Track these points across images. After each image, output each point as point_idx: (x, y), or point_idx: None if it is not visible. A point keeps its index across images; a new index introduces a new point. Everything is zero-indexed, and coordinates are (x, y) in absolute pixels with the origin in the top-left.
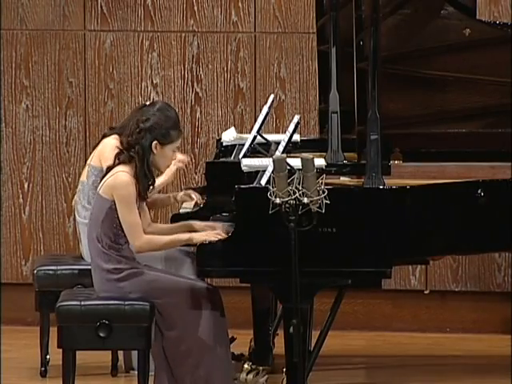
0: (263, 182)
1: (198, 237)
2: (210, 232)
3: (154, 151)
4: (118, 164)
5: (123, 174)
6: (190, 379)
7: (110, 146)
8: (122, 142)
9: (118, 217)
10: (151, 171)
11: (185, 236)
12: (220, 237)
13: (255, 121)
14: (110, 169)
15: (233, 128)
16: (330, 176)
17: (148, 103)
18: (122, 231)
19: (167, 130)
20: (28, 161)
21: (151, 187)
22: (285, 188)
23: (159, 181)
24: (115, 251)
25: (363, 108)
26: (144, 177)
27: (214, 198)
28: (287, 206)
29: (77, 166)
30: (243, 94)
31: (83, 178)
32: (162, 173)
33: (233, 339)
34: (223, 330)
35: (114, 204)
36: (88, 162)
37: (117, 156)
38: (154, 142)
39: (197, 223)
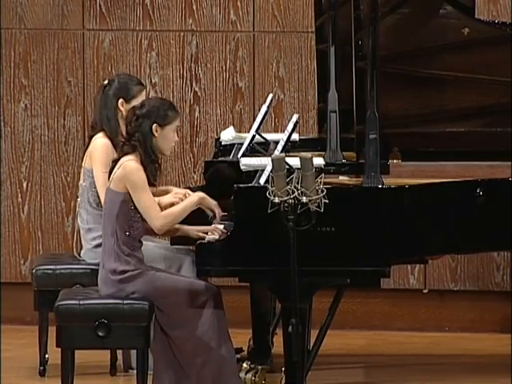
0: (262, 181)
1: (208, 200)
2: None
3: (155, 134)
4: (123, 155)
5: (131, 162)
6: (197, 377)
7: (98, 146)
8: (121, 134)
9: (132, 209)
10: (156, 155)
11: (194, 199)
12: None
13: (254, 120)
14: (115, 162)
15: (231, 127)
16: (328, 175)
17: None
18: (137, 223)
19: (165, 112)
20: (27, 160)
21: (159, 172)
22: (284, 187)
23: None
24: (128, 248)
25: (362, 107)
26: (150, 162)
27: (213, 197)
28: (286, 205)
29: (75, 165)
30: (242, 94)
31: (81, 181)
32: (165, 155)
33: (241, 350)
34: (225, 328)
35: (127, 196)
36: (83, 164)
37: (120, 148)
38: (154, 125)
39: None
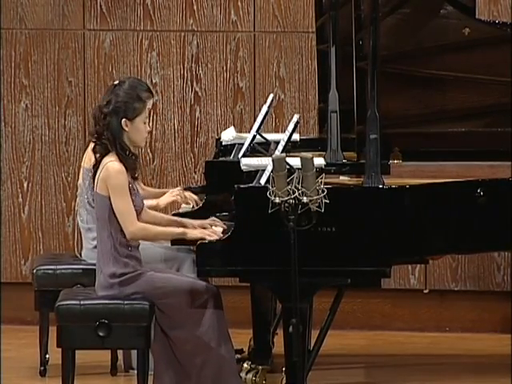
0: (263, 181)
1: (192, 233)
2: (205, 230)
3: (126, 128)
4: (100, 158)
5: (112, 164)
6: (197, 377)
7: None
8: (92, 134)
9: None
10: (128, 149)
11: (179, 230)
12: (215, 236)
13: (255, 120)
14: (96, 166)
15: (232, 127)
16: (329, 175)
17: (117, 82)
18: None
19: (131, 105)
20: (27, 160)
21: (138, 163)
22: (284, 187)
23: (148, 202)
24: (126, 249)
25: (362, 107)
26: (126, 157)
27: (214, 197)
28: (287, 205)
29: (76, 165)
30: (242, 94)
31: (79, 181)
32: (140, 147)
33: (241, 351)
34: (225, 328)
35: None
36: (82, 164)
37: (94, 151)
38: (123, 120)
39: (189, 222)
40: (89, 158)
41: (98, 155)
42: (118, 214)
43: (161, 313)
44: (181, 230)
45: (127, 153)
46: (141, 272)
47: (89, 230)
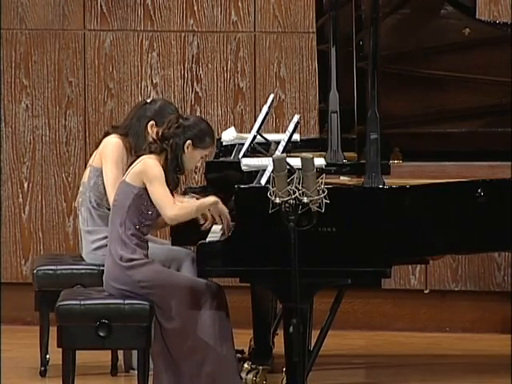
0: (263, 181)
1: (223, 205)
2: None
3: (185, 150)
4: (149, 153)
5: (151, 159)
6: (195, 376)
7: (111, 144)
8: (157, 133)
9: (144, 204)
10: (180, 166)
11: (211, 198)
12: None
13: (255, 120)
14: (138, 157)
15: (232, 127)
16: (329, 175)
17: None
18: (147, 220)
19: (203, 134)
20: (28, 160)
21: (176, 183)
22: (284, 187)
23: None
24: (136, 239)
25: (363, 107)
26: (173, 170)
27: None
28: (287, 205)
29: (76, 165)
30: (243, 94)
31: (84, 179)
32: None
33: (242, 352)
34: (227, 327)
35: (142, 190)
36: (89, 162)
37: (149, 145)
38: (188, 142)
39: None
40: (98, 156)
41: (147, 152)
42: (158, 201)
43: (160, 310)
44: (212, 199)
45: (177, 168)
46: (148, 261)
47: (88, 232)
